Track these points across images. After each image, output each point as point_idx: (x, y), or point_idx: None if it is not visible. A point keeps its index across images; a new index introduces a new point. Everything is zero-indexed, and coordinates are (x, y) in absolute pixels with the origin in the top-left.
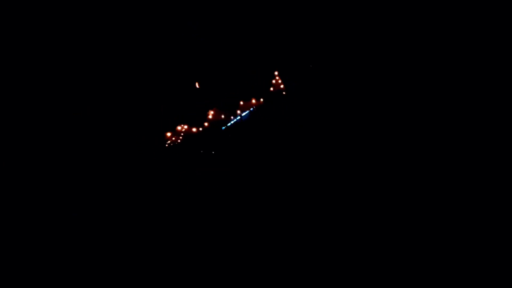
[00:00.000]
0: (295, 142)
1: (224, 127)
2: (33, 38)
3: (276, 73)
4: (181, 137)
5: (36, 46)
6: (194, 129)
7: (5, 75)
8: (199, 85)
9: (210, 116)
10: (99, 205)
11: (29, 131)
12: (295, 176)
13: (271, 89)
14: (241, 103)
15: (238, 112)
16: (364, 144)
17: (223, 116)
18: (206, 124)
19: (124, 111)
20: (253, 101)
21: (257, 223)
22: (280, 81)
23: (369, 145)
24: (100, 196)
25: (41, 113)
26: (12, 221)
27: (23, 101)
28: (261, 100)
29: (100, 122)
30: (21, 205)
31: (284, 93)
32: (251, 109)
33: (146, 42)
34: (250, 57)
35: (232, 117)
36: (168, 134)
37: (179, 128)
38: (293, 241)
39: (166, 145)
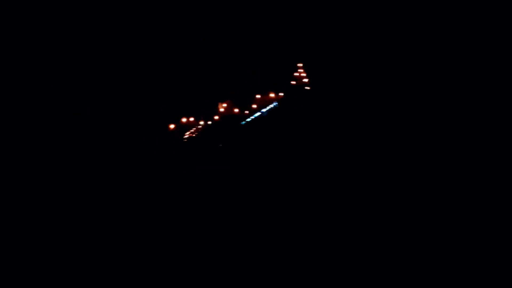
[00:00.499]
0: (316, 145)
1: (243, 122)
2: (33, 38)
3: (299, 64)
4: (187, 131)
5: (37, 46)
6: (201, 122)
7: (5, 75)
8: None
9: (221, 109)
10: (99, 204)
11: (29, 131)
12: (316, 183)
13: (293, 82)
14: (258, 96)
15: (254, 106)
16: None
17: (237, 110)
18: (216, 117)
19: (125, 106)
20: (272, 95)
21: (262, 225)
22: (304, 74)
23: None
24: (100, 195)
25: (41, 109)
26: (12, 221)
27: (23, 101)
28: (280, 94)
29: (102, 119)
30: (21, 205)
31: (308, 88)
32: (273, 104)
33: (148, 39)
34: (270, 47)
35: (247, 112)
36: (171, 126)
37: (184, 120)
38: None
39: (168, 139)
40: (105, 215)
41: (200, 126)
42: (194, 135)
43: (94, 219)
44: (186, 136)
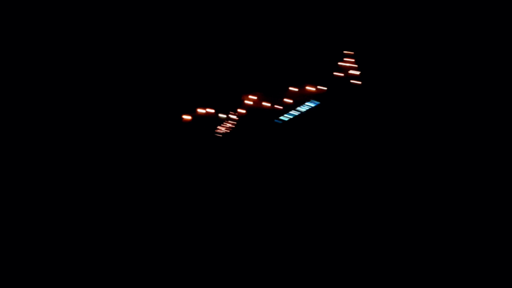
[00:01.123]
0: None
1: (278, 120)
2: (33, 38)
3: (347, 52)
4: (206, 124)
5: (39, 46)
6: (222, 115)
7: (5, 75)
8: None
9: (249, 102)
10: (100, 203)
11: (33, 127)
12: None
13: (337, 74)
14: (292, 89)
15: (288, 101)
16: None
17: (269, 105)
18: (242, 111)
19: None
20: (309, 88)
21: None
22: (353, 65)
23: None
24: (102, 192)
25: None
26: (12, 221)
27: (24, 101)
28: (320, 88)
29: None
30: (21, 205)
31: (357, 82)
32: (312, 102)
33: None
34: (308, 28)
35: (278, 107)
36: (187, 117)
37: (200, 111)
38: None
39: (182, 132)
40: (107, 212)
41: (225, 120)
42: (218, 129)
43: (96, 216)
44: (205, 130)
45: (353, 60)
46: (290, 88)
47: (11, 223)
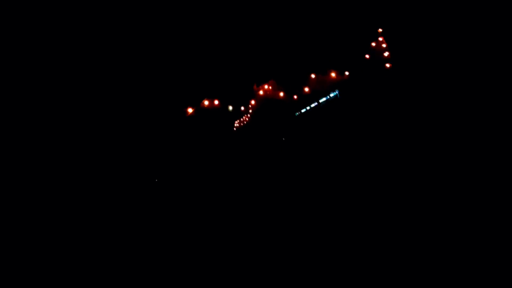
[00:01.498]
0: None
1: (297, 113)
2: (34, 38)
3: (380, 30)
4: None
5: (46, 46)
6: (230, 108)
7: (5, 75)
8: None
9: (261, 92)
10: (102, 201)
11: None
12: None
13: (367, 56)
14: (313, 76)
15: (307, 90)
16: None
17: (282, 95)
18: (252, 102)
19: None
20: (333, 74)
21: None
22: (384, 45)
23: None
24: (103, 192)
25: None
26: (12, 221)
27: (25, 101)
28: (347, 73)
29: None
30: (21, 205)
31: (388, 64)
32: (335, 93)
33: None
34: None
35: (297, 97)
36: (190, 110)
37: (206, 103)
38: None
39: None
40: (109, 210)
41: (242, 113)
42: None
43: (98, 215)
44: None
45: (383, 39)
46: (312, 76)
47: (11, 223)
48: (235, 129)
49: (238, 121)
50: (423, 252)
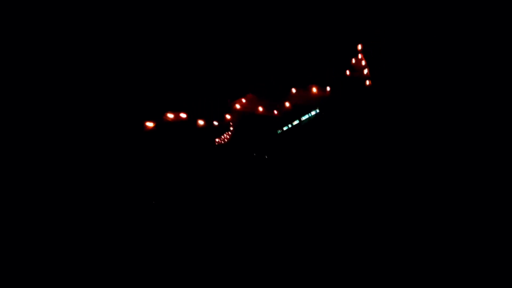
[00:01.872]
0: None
1: (279, 131)
2: (33, 38)
3: (359, 47)
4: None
5: (46, 46)
6: (201, 122)
7: (5, 75)
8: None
9: (237, 106)
10: (101, 203)
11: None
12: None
13: (347, 72)
14: (294, 91)
15: (288, 105)
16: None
17: (261, 109)
18: (228, 116)
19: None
20: (314, 89)
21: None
22: (363, 63)
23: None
24: (101, 194)
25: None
26: (12, 221)
27: (24, 101)
28: (328, 89)
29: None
30: (21, 205)
31: (368, 82)
32: (316, 110)
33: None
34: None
35: (277, 112)
36: (150, 124)
37: (170, 116)
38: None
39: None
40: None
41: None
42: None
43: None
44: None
45: (362, 57)
46: (292, 90)
47: (11, 223)
48: (216, 144)
49: (218, 139)
50: (423, 252)
